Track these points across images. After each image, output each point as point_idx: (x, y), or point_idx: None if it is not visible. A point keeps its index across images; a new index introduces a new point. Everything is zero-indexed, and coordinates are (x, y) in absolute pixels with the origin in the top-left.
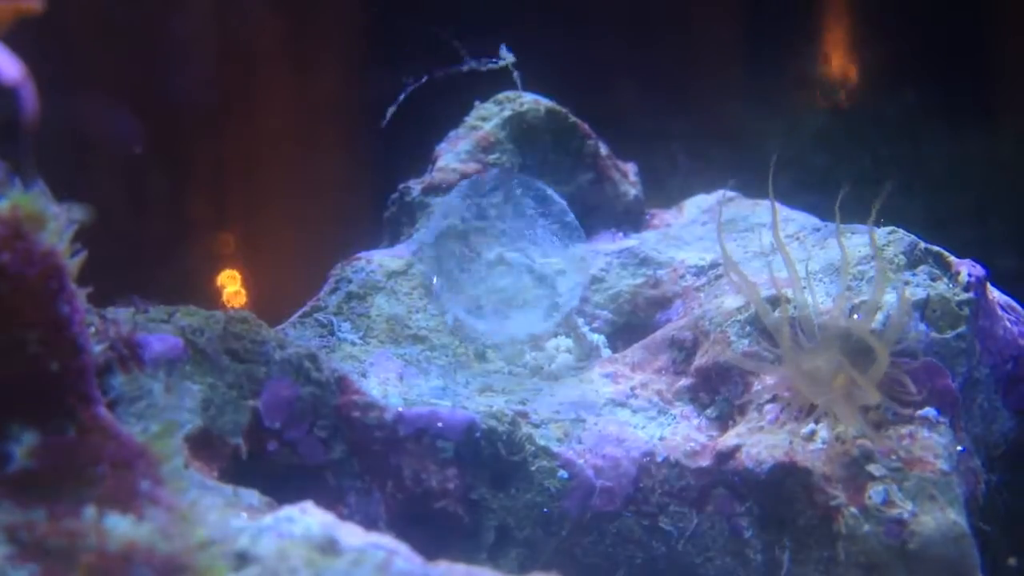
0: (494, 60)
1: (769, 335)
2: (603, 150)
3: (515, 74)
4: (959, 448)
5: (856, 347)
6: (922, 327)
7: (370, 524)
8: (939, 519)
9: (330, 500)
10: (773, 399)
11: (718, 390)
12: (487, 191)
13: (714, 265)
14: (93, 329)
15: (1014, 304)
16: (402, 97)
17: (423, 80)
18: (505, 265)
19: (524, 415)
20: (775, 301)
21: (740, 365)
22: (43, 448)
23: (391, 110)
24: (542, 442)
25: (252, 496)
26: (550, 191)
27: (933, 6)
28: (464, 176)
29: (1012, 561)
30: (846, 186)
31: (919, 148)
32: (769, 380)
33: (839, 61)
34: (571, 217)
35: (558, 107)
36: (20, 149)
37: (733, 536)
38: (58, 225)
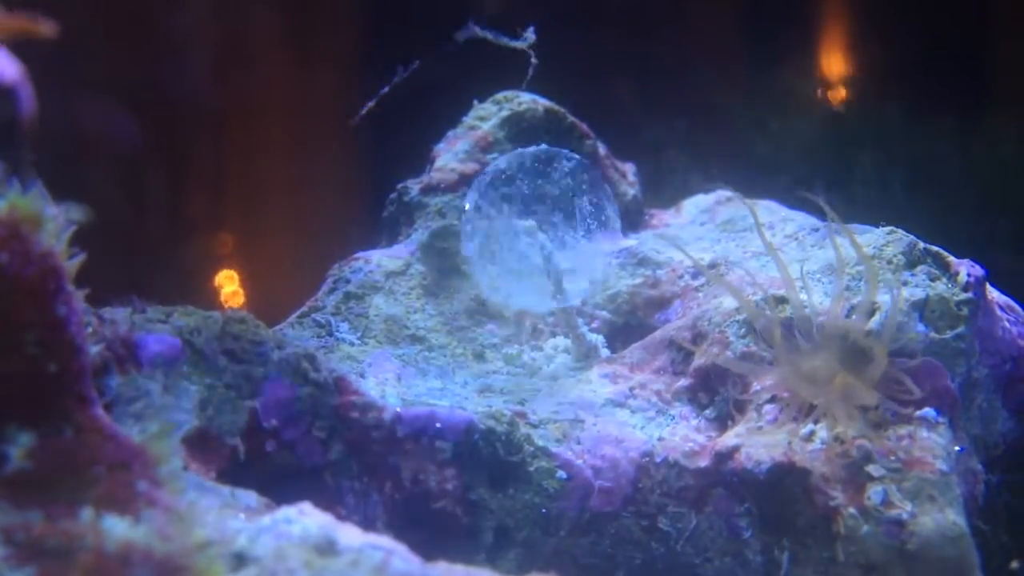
0: (520, 39)
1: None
2: (602, 150)
3: (532, 63)
4: (958, 448)
5: (854, 347)
6: (921, 327)
7: (368, 525)
8: (938, 519)
9: (328, 501)
10: (772, 399)
11: (717, 390)
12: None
13: (713, 265)
14: (90, 329)
15: (1013, 304)
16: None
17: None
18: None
19: (522, 415)
20: (774, 302)
21: (734, 369)
22: (40, 449)
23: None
24: (541, 442)
25: (250, 497)
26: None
27: (932, 6)
28: (463, 176)
29: (1014, 564)
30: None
31: (919, 147)
32: (767, 381)
33: (838, 61)
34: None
35: (556, 107)
36: (18, 150)
37: (732, 537)
38: (56, 226)
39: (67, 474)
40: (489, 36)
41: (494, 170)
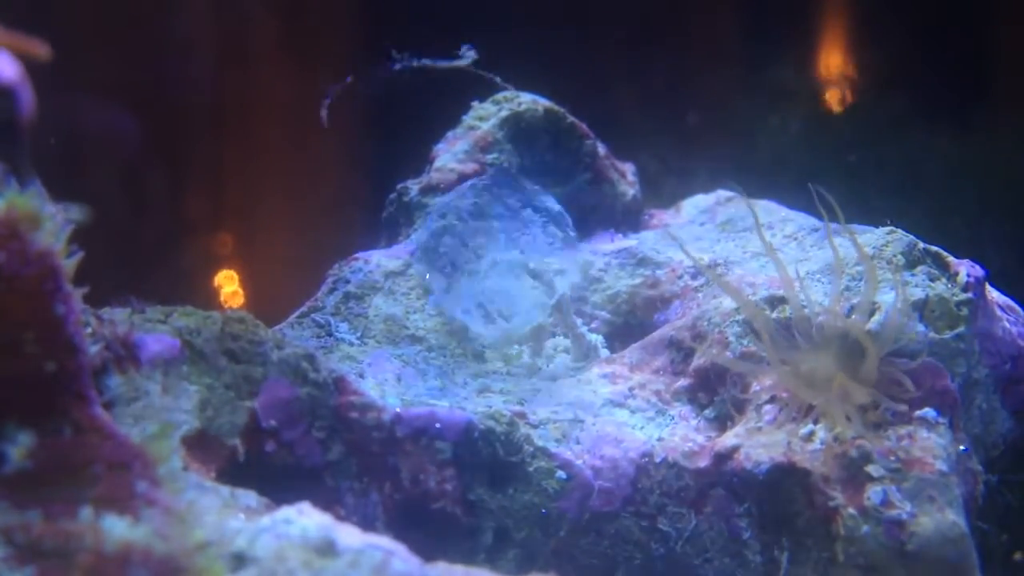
0: (453, 59)
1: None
2: (601, 150)
3: (487, 75)
4: (962, 448)
5: (854, 347)
6: (921, 327)
7: (368, 525)
8: (938, 520)
9: (327, 501)
10: (771, 399)
11: (716, 391)
12: (479, 199)
13: (712, 265)
14: (90, 329)
15: (1013, 304)
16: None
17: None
18: (501, 267)
19: (522, 415)
20: (773, 302)
21: (733, 368)
22: (39, 449)
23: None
24: (540, 443)
25: (249, 497)
26: (541, 194)
27: (931, 5)
28: (463, 176)
29: (1019, 556)
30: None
31: (919, 147)
32: (767, 381)
33: (837, 60)
34: (566, 218)
35: (556, 107)
36: (16, 149)
37: (731, 537)
38: (54, 225)
39: (66, 474)
40: (427, 62)
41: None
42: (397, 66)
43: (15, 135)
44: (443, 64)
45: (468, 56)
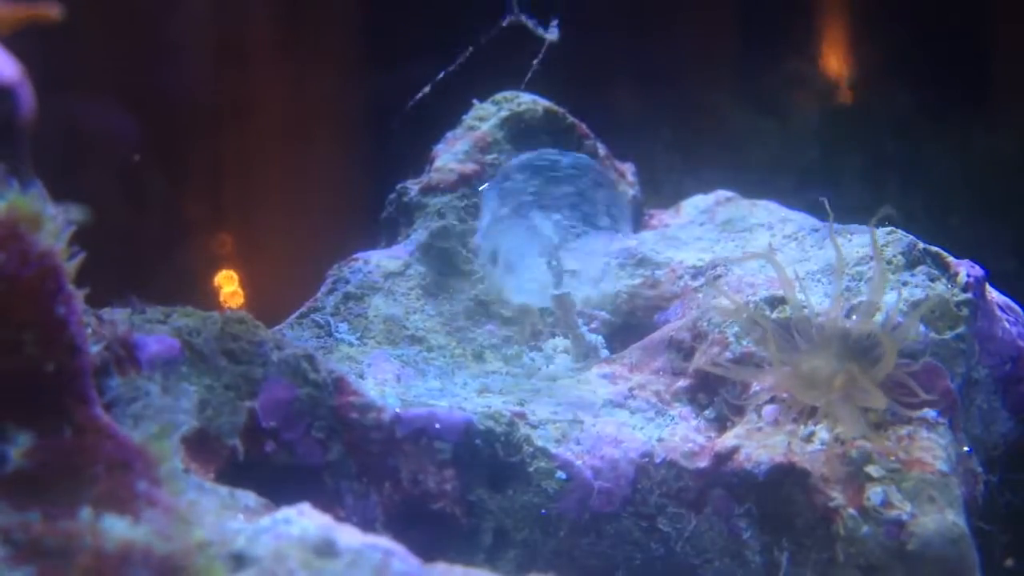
0: (543, 26)
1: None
2: (601, 150)
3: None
4: (967, 449)
5: (855, 348)
6: (921, 328)
7: (367, 525)
8: (938, 520)
9: (327, 501)
10: (772, 400)
11: (716, 391)
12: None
13: (712, 266)
14: (90, 330)
15: (1013, 305)
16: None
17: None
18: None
19: (522, 416)
20: (773, 302)
21: (730, 376)
22: (39, 449)
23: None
24: (540, 443)
25: (249, 497)
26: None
27: (931, 5)
28: (462, 176)
29: (1009, 562)
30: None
31: (918, 147)
32: (767, 382)
33: (837, 60)
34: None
35: (556, 107)
36: (17, 150)
37: (731, 537)
38: (55, 226)
39: (66, 474)
40: (530, 24)
41: (514, 167)
42: (505, 21)
43: (15, 135)
44: (539, 30)
45: (554, 32)
